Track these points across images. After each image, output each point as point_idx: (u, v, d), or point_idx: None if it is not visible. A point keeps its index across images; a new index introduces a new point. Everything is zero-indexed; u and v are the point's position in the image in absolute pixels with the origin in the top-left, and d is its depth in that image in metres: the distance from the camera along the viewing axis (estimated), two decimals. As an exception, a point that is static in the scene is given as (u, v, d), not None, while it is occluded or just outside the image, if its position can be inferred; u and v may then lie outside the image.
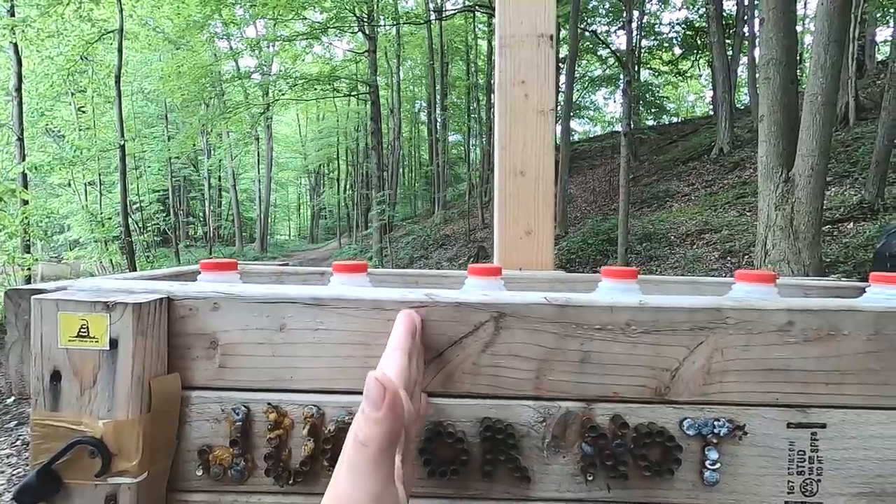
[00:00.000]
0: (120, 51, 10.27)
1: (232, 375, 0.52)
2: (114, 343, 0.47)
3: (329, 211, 27.79)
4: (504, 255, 0.88)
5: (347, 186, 23.95)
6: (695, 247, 9.02)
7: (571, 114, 15.15)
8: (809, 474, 0.51)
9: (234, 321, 0.51)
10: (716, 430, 0.50)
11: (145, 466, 0.48)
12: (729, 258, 8.26)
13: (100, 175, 13.58)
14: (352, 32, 13.77)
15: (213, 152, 20.00)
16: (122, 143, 10.16)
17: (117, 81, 10.19)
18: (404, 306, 0.50)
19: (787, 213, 5.26)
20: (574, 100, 16.54)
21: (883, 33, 13.30)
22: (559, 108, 13.67)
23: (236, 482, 0.51)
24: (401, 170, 22.13)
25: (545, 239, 0.85)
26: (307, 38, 12.92)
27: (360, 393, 0.54)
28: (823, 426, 0.51)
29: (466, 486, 0.51)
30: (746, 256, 7.85)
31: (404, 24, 14.06)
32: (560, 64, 15.56)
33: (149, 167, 18.27)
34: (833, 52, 4.98)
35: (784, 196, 5.32)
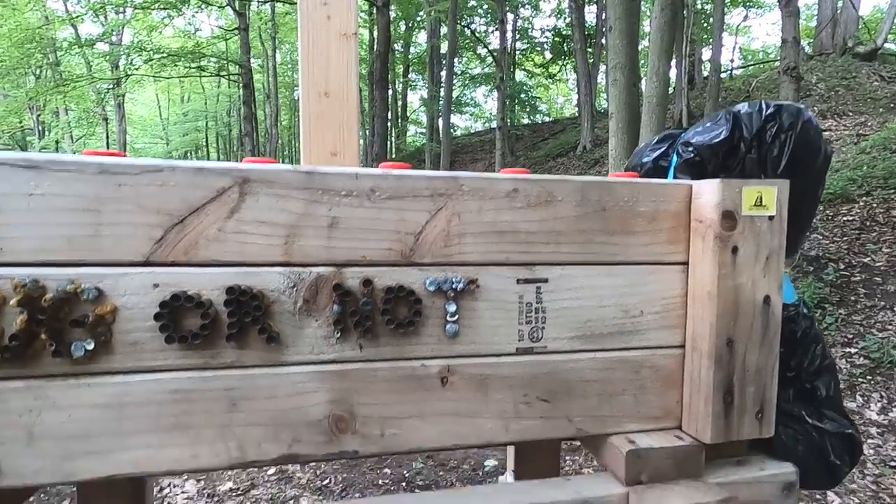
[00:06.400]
0: None
1: (-79, 249, 0.45)
2: None
3: (199, 203, 25.30)
4: (311, 177, 0.88)
5: (220, 176, 21.98)
6: (561, 234, 9.88)
7: (453, 108, 15.60)
8: (536, 323, 0.59)
9: (-81, 185, 0.44)
10: (454, 286, 0.55)
11: None
12: (589, 243, 9.17)
13: None
14: (219, 7, 12.68)
15: (47, 132, 17.03)
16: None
17: None
18: (137, 171, 0.48)
19: (631, 199, 5.95)
20: (455, 96, 17.04)
21: (707, 53, 15.69)
22: (439, 101, 13.99)
23: (-70, 369, 0.45)
24: (280, 159, 20.98)
25: (350, 161, 0.87)
26: (165, 9, 11.59)
27: (89, 265, 0.51)
28: (546, 281, 0.59)
29: (216, 354, 0.51)
30: (602, 240, 8.79)
31: (278, 1, 13.27)
32: (441, 60, 15.90)
33: (-43, 148, 15.02)
34: (664, 61, 5.76)
35: (629, 184, 6.01)
